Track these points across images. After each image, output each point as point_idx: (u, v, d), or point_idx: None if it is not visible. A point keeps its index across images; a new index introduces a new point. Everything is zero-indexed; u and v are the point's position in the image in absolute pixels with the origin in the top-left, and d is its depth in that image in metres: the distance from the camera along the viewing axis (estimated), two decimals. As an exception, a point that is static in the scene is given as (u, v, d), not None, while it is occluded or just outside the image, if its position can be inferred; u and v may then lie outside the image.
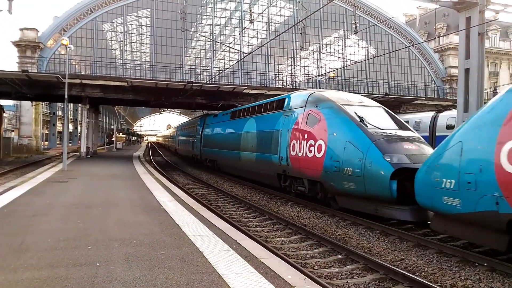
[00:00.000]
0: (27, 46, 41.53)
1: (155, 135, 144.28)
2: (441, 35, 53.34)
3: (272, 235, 9.81)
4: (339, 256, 7.91)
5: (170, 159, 41.15)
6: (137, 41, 50.50)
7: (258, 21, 48.94)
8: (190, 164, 34.13)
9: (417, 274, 6.87)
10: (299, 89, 25.13)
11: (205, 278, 4.91)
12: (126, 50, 49.38)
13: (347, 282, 6.51)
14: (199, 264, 5.45)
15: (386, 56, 49.14)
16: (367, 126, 11.17)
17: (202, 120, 29.81)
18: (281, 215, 11.81)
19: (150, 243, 6.42)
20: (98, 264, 5.34)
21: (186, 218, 8.63)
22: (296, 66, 53.38)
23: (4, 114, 36.42)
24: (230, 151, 20.67)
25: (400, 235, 9.15)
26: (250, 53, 20.13)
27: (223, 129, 23.41)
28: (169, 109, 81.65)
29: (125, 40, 48.33)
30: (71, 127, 61.75)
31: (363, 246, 8.66)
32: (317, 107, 12.94)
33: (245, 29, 47.57)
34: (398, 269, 6.78)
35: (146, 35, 48.77)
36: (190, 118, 56.24)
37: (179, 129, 46.65)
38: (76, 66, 47.21)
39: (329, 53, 51.68)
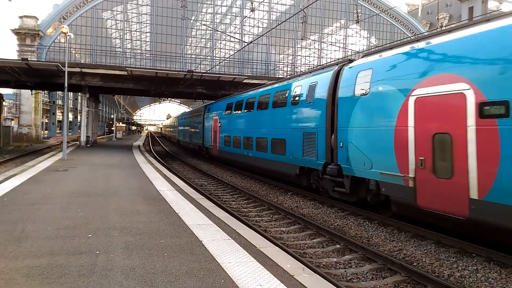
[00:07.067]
0: (26, 34, 41.37)
1: (155, 125, 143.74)
2: (444, 26, 52.95)
3: (271, 224, 9.85)
4: (338, 246, 7.96)
5: (170, 149, 41.18)
6: (137, 30, 50.18)
7: (259, 10, 48.65)
8: (190, 154, 34.17)
9: (414, 264, 6.92)
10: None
11: (204, 267, 4.94)
12: (126, 39, 49.16)
13: (345, 271, 6.56)
14: (198, 253, 5.48)
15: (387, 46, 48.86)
16: None
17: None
18: (280, 205, 11.85)
19: (149, 232, 6.45)
20: (98, 252, 5.37)
21: (186, 207, 8.66)
22: (297, 55, 53.16)
23: (4, 103, 36.33)
24: None
25: (398, 225, 9.18)
26: (251, 42, 19.88)
27: None
28: (169, 98, 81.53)
29: (125, 29, 48.05)
30: (71, 116, 61.65)
31: (361, 236, 8.70)
32: None
33: (246, 18, 47.25)
34: (396, 259, 6.82)
35: (146, 23, 48.52)
36: (190, 108, 53.90)
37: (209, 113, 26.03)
38: (76, 54, 47.05)
39: (330, 43, 51.41)
